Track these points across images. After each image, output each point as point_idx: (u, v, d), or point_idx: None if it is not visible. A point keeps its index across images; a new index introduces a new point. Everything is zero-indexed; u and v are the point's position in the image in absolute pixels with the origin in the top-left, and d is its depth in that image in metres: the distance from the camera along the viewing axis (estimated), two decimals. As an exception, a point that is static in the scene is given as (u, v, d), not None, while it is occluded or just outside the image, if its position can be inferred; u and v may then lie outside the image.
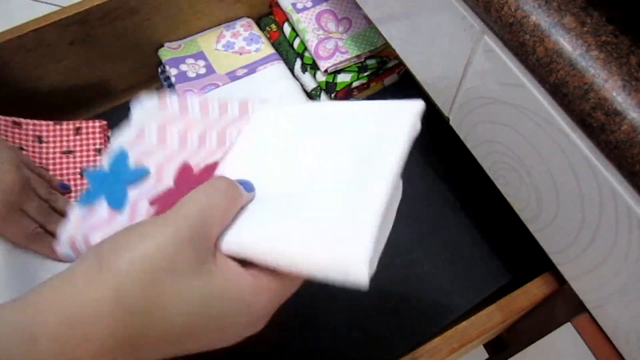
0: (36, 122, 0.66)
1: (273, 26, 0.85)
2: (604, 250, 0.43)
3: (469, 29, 0.46)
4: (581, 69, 0.37)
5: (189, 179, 0.41)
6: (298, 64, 0.81)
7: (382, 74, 0.80)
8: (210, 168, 0.42)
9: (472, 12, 0.45)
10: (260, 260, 0.33)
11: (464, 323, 0.56)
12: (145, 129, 0.47)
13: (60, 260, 0.53)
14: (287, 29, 0.82)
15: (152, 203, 0.40)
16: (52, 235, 0.53)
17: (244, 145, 0.43)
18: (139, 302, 0.27)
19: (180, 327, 0.29)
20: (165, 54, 0.79)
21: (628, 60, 0.36)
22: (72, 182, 0.65)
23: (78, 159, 0.66)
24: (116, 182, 0.43)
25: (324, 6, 0.80)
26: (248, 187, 0.37)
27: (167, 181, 0.42)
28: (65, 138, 0.67)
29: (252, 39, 0.82)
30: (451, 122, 0.57)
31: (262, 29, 0.85)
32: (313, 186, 0.38)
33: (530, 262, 0.66)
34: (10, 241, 0.52)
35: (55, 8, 0.69)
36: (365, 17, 0.80)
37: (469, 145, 0.56)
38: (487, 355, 0.80)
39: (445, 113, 0.57)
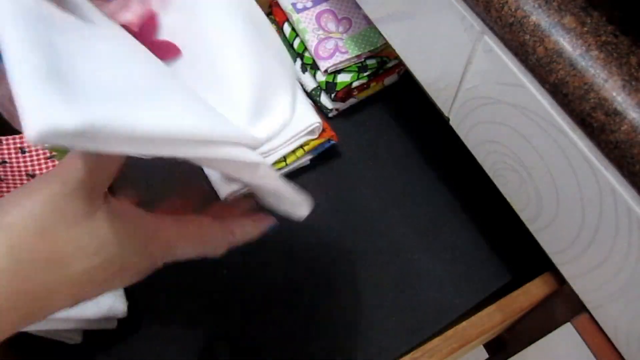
0: (15, 136, 0.68)
1: (273, 26, 0.85)
2: (604, 250, 0.43)
3: (469, 29, 0.46)
4: (581, 69, 0.37)
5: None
6: (298, 64, 0.81)
7: (382, 74, 0.80)
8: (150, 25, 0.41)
9: (472, 12, 0.45)
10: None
11: (464, 323, 0.56)
12: None
13: None
14: (287, 29, 0.82)
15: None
16: None
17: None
18: (35, 254, 0.29)
19: (81, 273, 0.30)
20: (165, 54, 0.79)
21: (628, 60, 0.36)
22: None
23: None
24: None
25: (324, 6, 0.80)
26: None
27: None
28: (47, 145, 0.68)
29: (252, 39, 0.82)
30: (451, 122, 0.57)
31: (262, 29, 0.85)
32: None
33: (530, 262, 0.66)
34: None
35: (55, 8, 0.69)
36: (365, 17, 0.80)
37: (469, 145, 0.56)
38: (487, 355, 0.80)
39: (445, 113, 0.57)
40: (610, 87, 0.35)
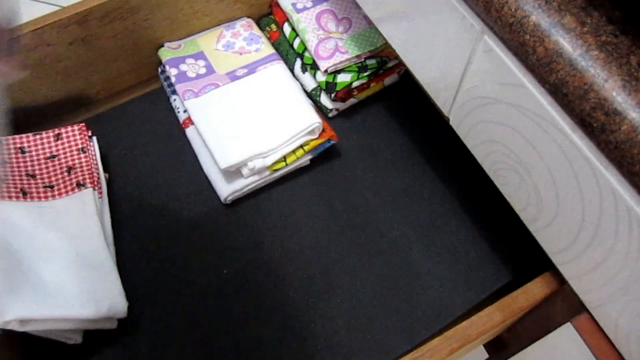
0: (15, 136, 0.68)
1: (273, 26, 0.85)
2: (604, 250, 0.43)
3: (469, 29, 0.46)
4: (581, 69, 0.37)
5: None
6: (298, 64, 0.81)
7: (382, 74, 0.80)
8: None
9: (472, 12, 0.45)
10: None
11: (464, 323, 0.56)
12: None
13: None
14: (287, 29, 0.82)
15: None
16: None
17: None
18: None
19: None
20: (165, 54, 0.79)
21: (628, 60, 0.36)
22: (60, 181, 0.66)
23: (63, 161, 0.68)
24: None
25: (324, 6, 0.80)
26: None
27: None
28: (47, 145, 0.69)
29: (252, 39, 0.82)
30: (451, 122, 0.57)
31: (262, 29, 0.85)
32: None
33: (530, 262, 0.66)
34: None
35: (55, 8, 0.69)
36: (365, 17, 0.80)
37: (469, 145, 0.56)
38: (487, 355, 0.80)
39: (445, 113, 0.57)
40: (610, 87, 0.35)
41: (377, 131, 0.79)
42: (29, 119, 0.76)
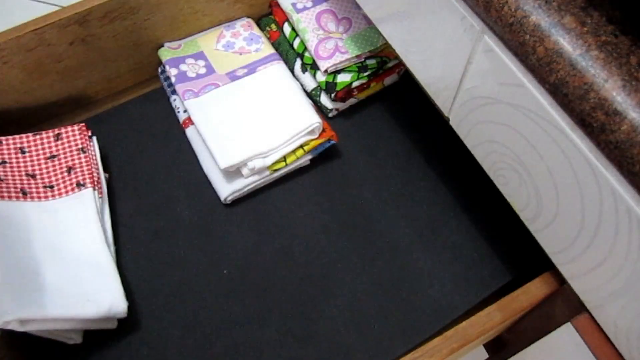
0: (15, 136, 0.68)
1: (273, 26, 0.85)
2: (604, 250, 0.43)
3: (469, 29, 0.46)
4: (581, 69, 0.37)
5: None
6: (298, 64, 0.81)
7: (382, 74, 0.80)
8: None
9: (472, 12, 0.45)
10: None
11: (464, 323, 0.56)
12: None
13: None
14: (287, 29, 0.82)
15: None
16: None
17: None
18: None
19: None
20: (165, 54, 0.79)
21: (628, 60, 0.36)
22: (60, 181, 0.66)
23: (63, 161, 0.68)
24: None
25: (324, 6, 0.80)
26: None
27: None
28: (47, 145, 0.69)
29: (252, 39, 0.82)
30: (451, 122, 0.57)
31: (262, 29, 0.85)
32: None
33: (530, 262, 0.66)
34: None
35: (55, 8, 0.69)
36: (365, 17, 0.80)
37: (469, 145, 0.56)
38: (487, 355, 0.80)
39: (445, 113, 0.57)
40: (610, 87, 0.35)
41: (377, 131, 0.79)
42: (29, 119, 0.76)
